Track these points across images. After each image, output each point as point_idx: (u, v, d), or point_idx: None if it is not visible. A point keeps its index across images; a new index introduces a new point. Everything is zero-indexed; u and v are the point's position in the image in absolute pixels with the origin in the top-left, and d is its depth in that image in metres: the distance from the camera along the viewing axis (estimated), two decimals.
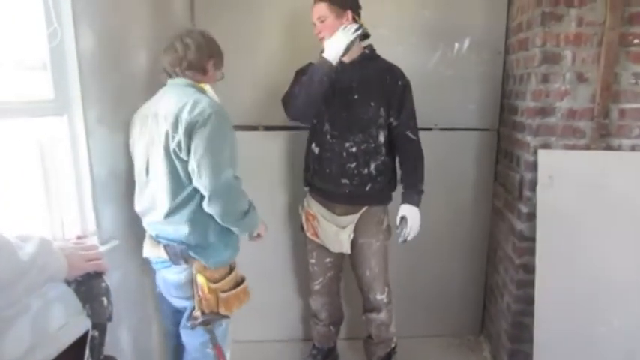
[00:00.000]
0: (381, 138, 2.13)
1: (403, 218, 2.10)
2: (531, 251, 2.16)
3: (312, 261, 2.35)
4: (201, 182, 1.56)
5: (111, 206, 1.76)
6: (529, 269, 2.20)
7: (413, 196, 2.13)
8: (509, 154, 2.44)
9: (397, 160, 2.21)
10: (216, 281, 1.71)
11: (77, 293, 1.10)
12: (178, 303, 1.78)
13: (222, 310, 1.72)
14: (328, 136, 2.12)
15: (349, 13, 2.01)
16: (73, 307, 1.14)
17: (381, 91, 2.09)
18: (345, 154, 2.11)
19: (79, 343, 1.13)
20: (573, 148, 2.13)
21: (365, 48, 2.14)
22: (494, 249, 2.65)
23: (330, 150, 2.13)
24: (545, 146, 2.14)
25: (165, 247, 1.68)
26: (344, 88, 2.07)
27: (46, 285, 1.07)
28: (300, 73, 2.14)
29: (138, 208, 1.75)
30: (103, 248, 1.61)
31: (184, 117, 1.55)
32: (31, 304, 1.09)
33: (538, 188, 2.11)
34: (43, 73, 1.49)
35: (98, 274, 1.14)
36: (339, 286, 2.46)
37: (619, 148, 2.10)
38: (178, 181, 1.60)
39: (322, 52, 1.97)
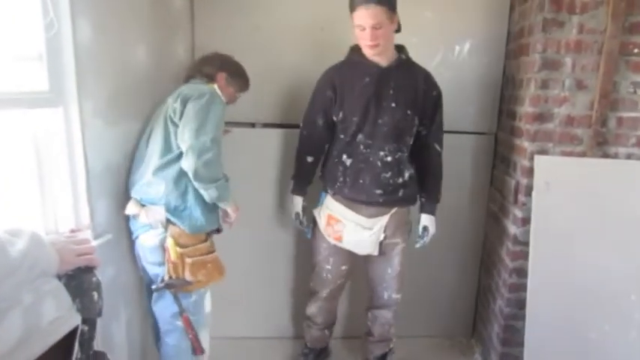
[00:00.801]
0: (410, 145, 2.12)
1: (425, 228, 2.20)
2: (524, 255, 2.17)
3: (328, 267, 2.25)
4: (183, 139, 1.74)
5: (105, 200, 1.75)
6: (522, 273, 2.21)
7: (433, 206, 2.20)
8: (506, 159, 2.44)
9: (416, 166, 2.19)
10: (184, 246, 1.81)
11: (67, 288, 1.09)
12: (152, 270, 1.87)
13: (188, 276, 1.81)
14: (362, 147, 2.05)
15: (396, 17, 1.93)
16: (65, 301, 1.12)
17: (417, 99, 2.03)
18: (379, 164, 2.04)
19: (69, 338, 1.12)
20: (570, 154, 2.13)
21: (399, 52, 2.05)
22: (487, 252, 2.65)
23: (364, 161, 2.05)
24: (543, 152, 2.14)
25: (148, 210, 1.79)
26: (381, 96, 2.00)
27: (38, 279, 1.06)
28: (318, 91, 2.13)
29: (130, 179, 1.87)
30: (96, 242, 1.60)
31: (185, 91, 1.82)
32: (23, 297, 1.07)
33: (534, 193, 2.11)
34: (39, 64, 1.47)
35: (89, 269, 1.13)
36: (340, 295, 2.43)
37: (615, 156, 2.11)
38: (169, 143, 1.80)
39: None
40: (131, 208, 1.81)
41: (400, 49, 2.07)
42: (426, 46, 2.48)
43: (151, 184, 1.79)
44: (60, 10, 1.47)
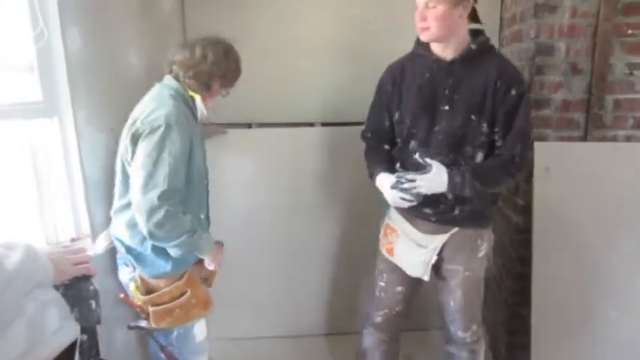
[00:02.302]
0: (478, 159, 1.71)
1: (428, 165, 1.66)
2: (527, 243, 2.15)
3: (382, 284, 1.93)
4: (132, 190, 1.52)
5: (104, 207, 1.75)
6: (525, 262, 2.20)
7: (458, 172, 1.64)
8: None
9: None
10: (148, 293, 1.64)
11: (65, 297, 1.10)
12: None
13: (153, 323, 1.63)
14: (415, 155, 1.71)
15: (469, 2, 1.59)
16: (66, 311, 1.14)
17: (485, 101, 1.64)
18: None
19: (72, 348, 1.13)
20: (569, 139, 2.12)
21: (475, 38, 1.67)
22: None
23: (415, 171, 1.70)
24: (541, 138, 2.13)
25: (116, 246, 1.66)
26: (436, 97, 1.69)
27: (37, 290, 1.07)
28: (380, 87, 1.86)
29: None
30: (96, 250, 1.62)
31: (138, 122, 1.52)
32: (27, 308, 1.09)
33: (534, 180, 2.10)
34: (31, 75, 1.48)
35: (86, 278, 1.14)
36: (401, 326, 2.02)
37: (614, 139, 2.09)
38: (126, 184, 1.58)
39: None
40: (100, 243, 1.66)
41: (476, 35, 1.69)
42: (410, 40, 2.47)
43: (115, 223, 1.65)
44: (49, 21, 1.48)
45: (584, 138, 2.10)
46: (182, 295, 1.66)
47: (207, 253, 1.70)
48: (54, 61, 1.52)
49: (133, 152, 1.51)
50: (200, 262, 1.75)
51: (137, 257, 1.62)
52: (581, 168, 2.09)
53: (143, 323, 1.66)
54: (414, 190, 1.66)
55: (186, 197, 1.60)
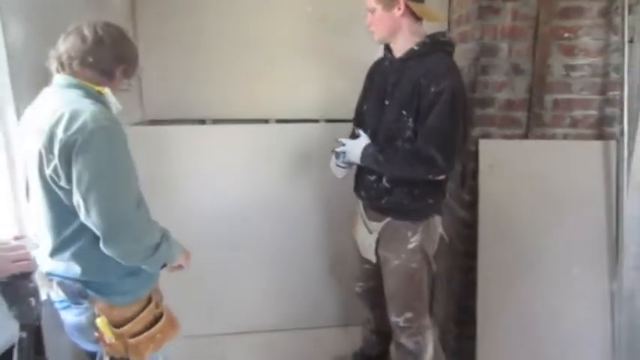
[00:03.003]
0: None
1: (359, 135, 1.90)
2: (474, 238, 2.24)
3: (357, 261, 2.20)
4: (91, 220, 1.23)
5: None
6: (472, 255, 2.28)
7: (371, 148, 1.82)
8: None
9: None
10: (121, 324, 1.39)
11: (3, 295, 1.08)
12: (87, 347, 1.48)
13: (133, 358, 1.43)
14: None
15: (401, 2, 1.70)
16: (3, 310, 1.11)
17: (413, 97, 1.73)
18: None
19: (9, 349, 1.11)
20: (512, 137, 2.21)
21: (424, 40, 1.76)
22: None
23: None
24: (486, 136, 2.21)
25: (59, 284, 1.34)
26: (379, 92, 1.87)
27: None
28: (366, 80, 2.02)
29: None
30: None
31: (59, 134, 1.20)
32: None
33: (479, 176, 2.19)
34: None
35: (25, 275, 1.12)
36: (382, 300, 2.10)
37: (553, 137, 2.20)
38: (62, 213, 1.28)
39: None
40: (43, 288, 1.37)
41: (432, 37, 1.78)
42: (365, 37, 2.52)
43: (56, 263, 1.35)
44: None
45: (525, 136, 2.19)
46: (157, 318, 1.50)
47: (180, 255, 1.53)
48: None
49: (68, 173, 1.21)
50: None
51: (99, 287, 1.36)
52: (523, 165, 2.18)
53: None
54: (339, 150, 1.91)
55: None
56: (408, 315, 2.00)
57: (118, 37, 1.37)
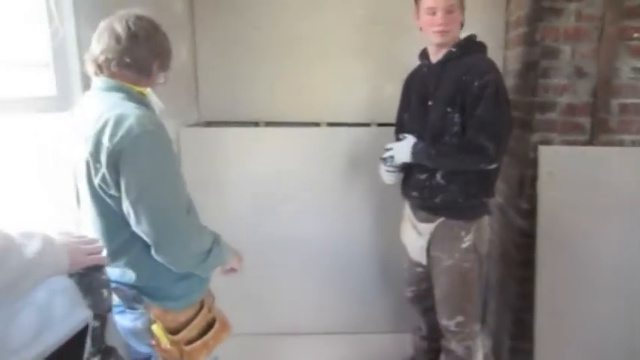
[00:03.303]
0: None
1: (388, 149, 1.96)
2: (531, 247, 2.16)
3: (405, 266, 2.19)
4: (142, 229, 1.23)
5: None
6: (529, 265, 2.20)
7: (422, 145, 1.87)
8: (509, 150, 2.44)
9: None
10: (177, 331, 1.40)
11: (79, 285, 1.12)
12: (143, 349, 1.48)
13: None
14: None
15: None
16: (76, 298, 1.16)
17: (456, 95, 1.81)
18: (415, 165, 1.93)
19: (82, 334, 1.16)
20: (574, 143, 2.13)
21: (460, 42, 1.85)
22: (495, 245, 2.65)
23: None
24: (546, 142, 2.13)
25: (115, 290, 1.32)
26: (421, 95, 1.95)
27: (50, 278, 1.10)
28: (404, 90, 2.09)
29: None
30: None
31: (105, 143, 1.19)
32: (37, 296, 1.11)
33: (538, 184, 2.11)
34: (46, 70, 1.51)
35: (98, 267, 1.16)
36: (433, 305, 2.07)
37: (620, 144, 2.10)
38: (113, 221, 1.28)
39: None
40: None
41: (467, 39, 1.87)
42: (423, 39, 2.50)
43: (111, 269, 1.33)
44: (64, 17, 1.52)
45: (589, 142, 2.10)
46: (209, 324, 1.50)
47: (232, 258, 1.54)
48: (68, 57, 1.56)
49: (117, 180, 1.21)
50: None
51: (153, 293, 1.36)
52: (586, 172, 2.09)
53: None
54: (387, 155, 1.94)
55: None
56: (460, 319, 1.97)
57: (152, 31, 1.32)
